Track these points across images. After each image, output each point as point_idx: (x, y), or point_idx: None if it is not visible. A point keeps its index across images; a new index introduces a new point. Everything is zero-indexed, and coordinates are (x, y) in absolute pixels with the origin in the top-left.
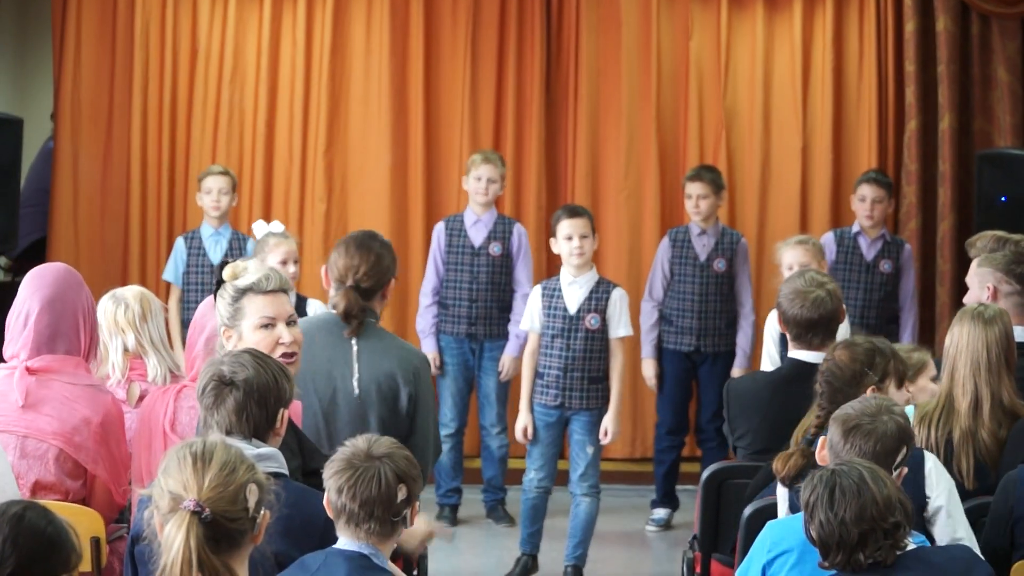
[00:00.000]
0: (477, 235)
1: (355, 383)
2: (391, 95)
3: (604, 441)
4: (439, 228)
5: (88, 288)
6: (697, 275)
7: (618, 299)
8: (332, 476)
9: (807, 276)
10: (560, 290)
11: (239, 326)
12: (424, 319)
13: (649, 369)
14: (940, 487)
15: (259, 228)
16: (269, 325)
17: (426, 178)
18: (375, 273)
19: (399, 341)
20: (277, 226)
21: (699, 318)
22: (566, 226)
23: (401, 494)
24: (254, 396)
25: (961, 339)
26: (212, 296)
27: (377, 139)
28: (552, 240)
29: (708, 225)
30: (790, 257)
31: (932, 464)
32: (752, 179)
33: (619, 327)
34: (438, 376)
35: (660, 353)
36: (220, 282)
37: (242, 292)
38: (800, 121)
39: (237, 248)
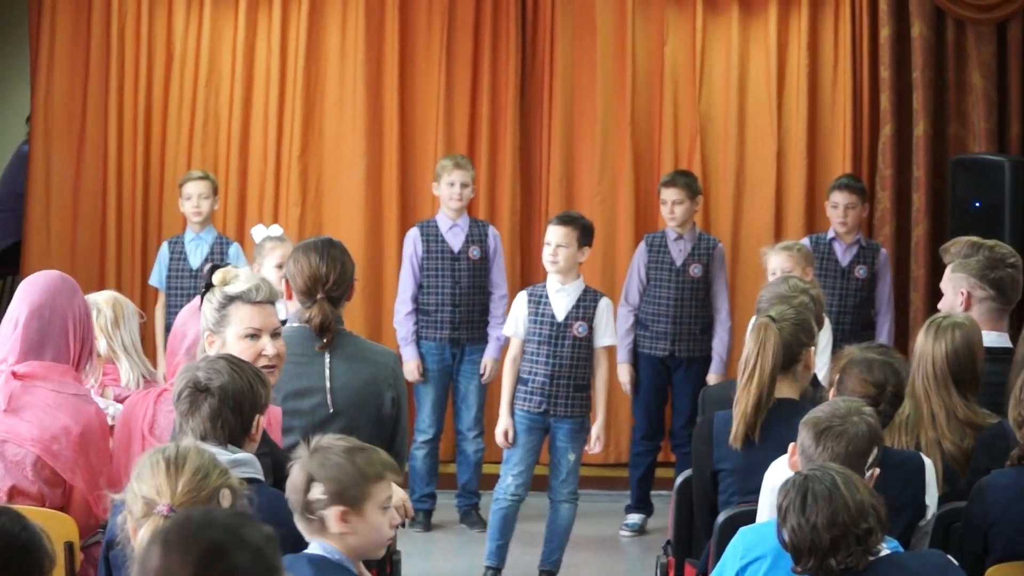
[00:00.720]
0: (455, 240)
1: (329, 400)
2: (366, 99)
3: (594, 450)
4: (413, 234)
5: (83, 296)
6: (673, 280)
7: (605, 308)
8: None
9: (790, 282)
10: (547, 297)
11: (223, 333)
12: (404, 327)
13: (624, 374)
14: (935, 497)
15: (258, 232)
16: (254, 336)
17: (401, 182)
18: (342, 281)
19: (370, 344)
20: (276, 230)
21: (674, 323)
22: (548, 231)
23: (316, 492)
24: (229, 403)
25: (918, 351)
26: (198, 299)
27: (352, 143)
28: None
29: (684, 230)
30: (775, 263)
31: (931, 472)
32: (727, 184)
33: (604, 336)
34: (419, 383)
35: (635, 358)
36: (209, 285)
37: (230, 299)
38: (775, 126)
39: (219, 252)
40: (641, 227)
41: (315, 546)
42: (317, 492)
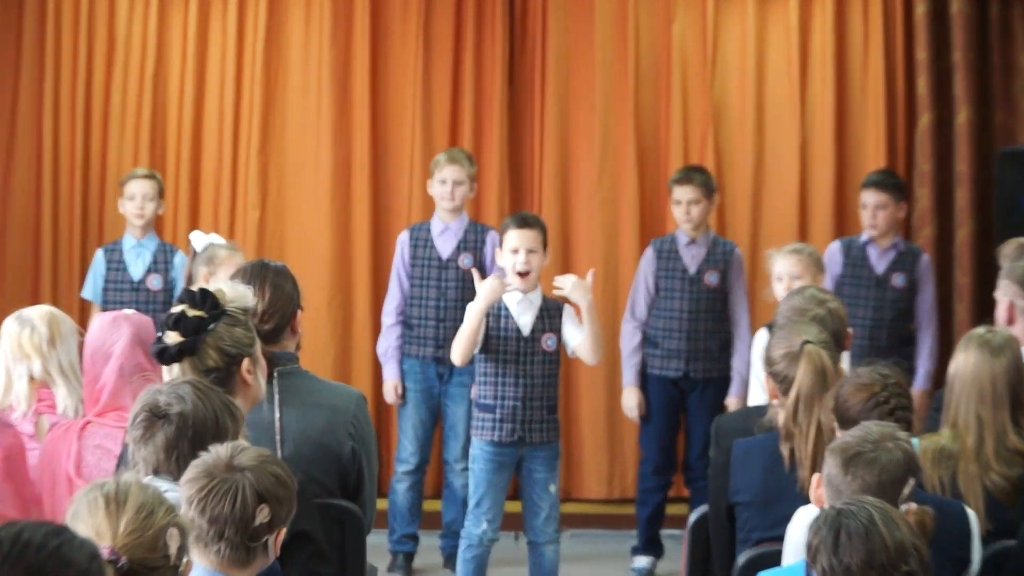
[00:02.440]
0: (445, 246)
1: (279, 454)
2: (333, 88)
3: (566, 289)
4: (403, 239)
5: None
6: (686, 290)
7: (568, 313)
8: (186, 483)
9: (807, 293)
10: (507, 310)
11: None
12: (386, 340)
13: (631, 398)
14: (979, 551)
15: (198, 239)
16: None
17: (373, 182)
18: (276, 309)
19: (327, 385)
20: (217, 239)
21: (688, 339)
22: (513, 237)
23: (261, 516)
24: (188, 433)
25: (965, 369)
26: (112, 313)
27: (317, 138)
28: (497, 252)
29: (699, 234)
30: (781, 267)
31: (975, 523)
32: (744, 182)
33: (576, 335)
34: (398, 406)
35: (644, 380)
36: (216, 312)
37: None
38: (798, 116)
39: (163, 262)
40: (647, 230)
41: (202, 571)
42: (264, 515)
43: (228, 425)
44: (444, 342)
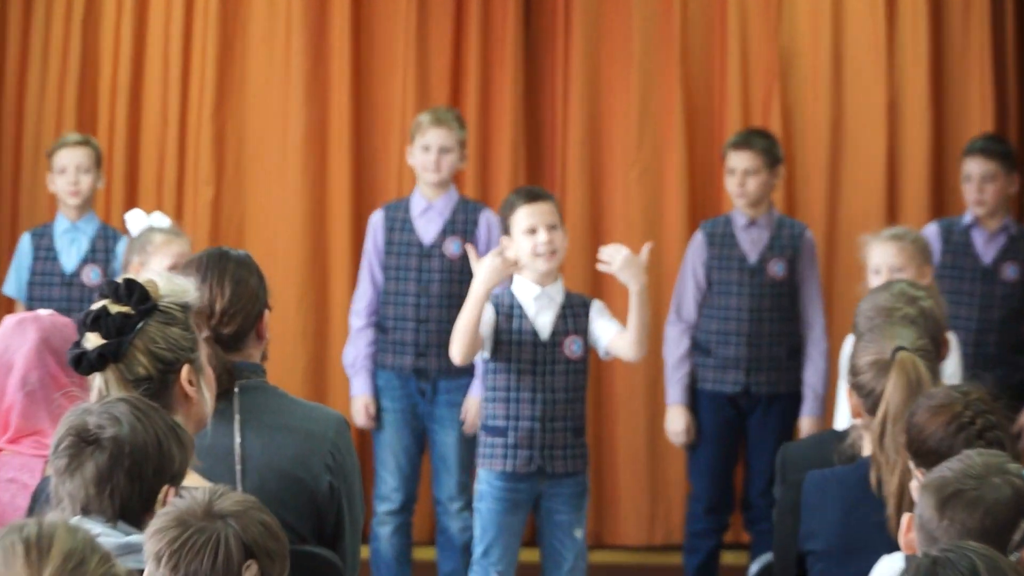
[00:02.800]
0: (428, 228)
1: (239, 488)
2: (305, 33)
3: (615, 265)
4: (375, 220)
5: None
6: (745, 284)
7: (598, 309)
8: (153, 535)
9: (895, 288)
10: (521, 308)
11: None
12: (355, 348)
13: (678, 420)
14: None
15: (134, 219)
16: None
17: (354, 149)
18: (239, 308)
19: (300, 405)
20: (161, 219)
21: (749, 345)
22: (525, 215)
23: (249, 574)
24: (124, 462)
25: None
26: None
27: (284, 95)
28: (503, 239)
29: (759, 213)
30: (879, 257)
31: None
32: (818, 148)
33: (609, 327)
34: (373, 430)
35: (693, 397)
36: (145, 307)
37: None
38: (884, 67)
39: (102, 250)
40: (698, 210)
41: None
42: (251, 573)
43: (174, 453)
44: (426, 349)
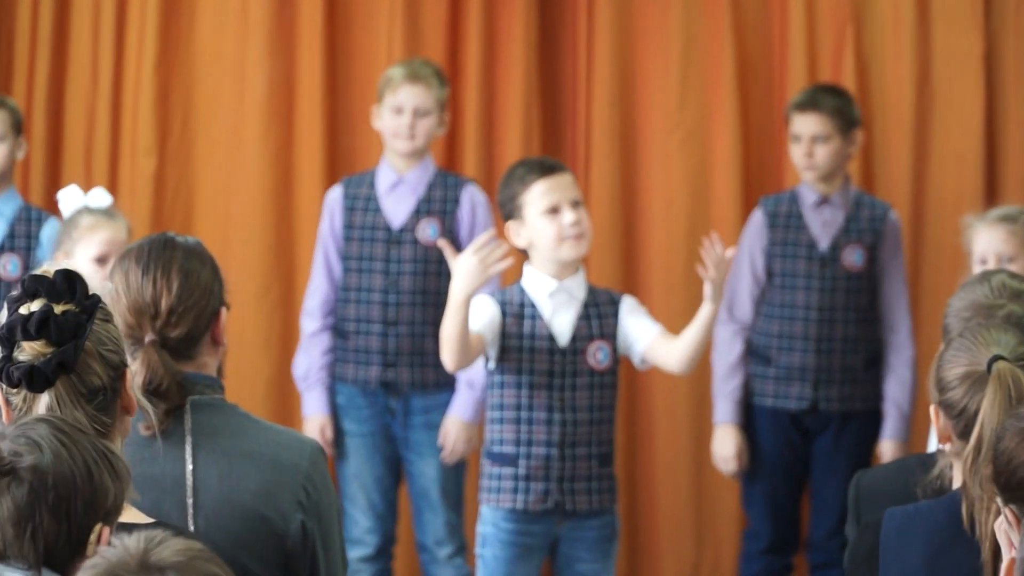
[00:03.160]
0: (397, 208)
1: (190, 521)
2: None
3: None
4: (332, 199)
5: None
6: (815, 276)
7: (631, 307)
8: None
9: (995, 280)
10: (535, 307)
11: None
12: (308, 357)
13: (727, 444)
14: None
15: (69, 199)
16: None
17: (327, 112)
18: (190, 306)
19: (266, 429)
20: (100, 197)
21: (817, 352)
22: (543, 191)
23: None
24: (47, 496)
25: None
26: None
27: (242, 44)
28: (510, 225)
29: (832, 190)
30: (985, 243)
31: None
32: (902, 111)
33: (648, 328)
34: (335, 459)
35: (748, 415)
36: (90, 302)
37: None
38: (980, 12)
39: (23, 235)
40: (753, 185)
41: None
42: None
43: (107, 483)
44: (396, 358)
